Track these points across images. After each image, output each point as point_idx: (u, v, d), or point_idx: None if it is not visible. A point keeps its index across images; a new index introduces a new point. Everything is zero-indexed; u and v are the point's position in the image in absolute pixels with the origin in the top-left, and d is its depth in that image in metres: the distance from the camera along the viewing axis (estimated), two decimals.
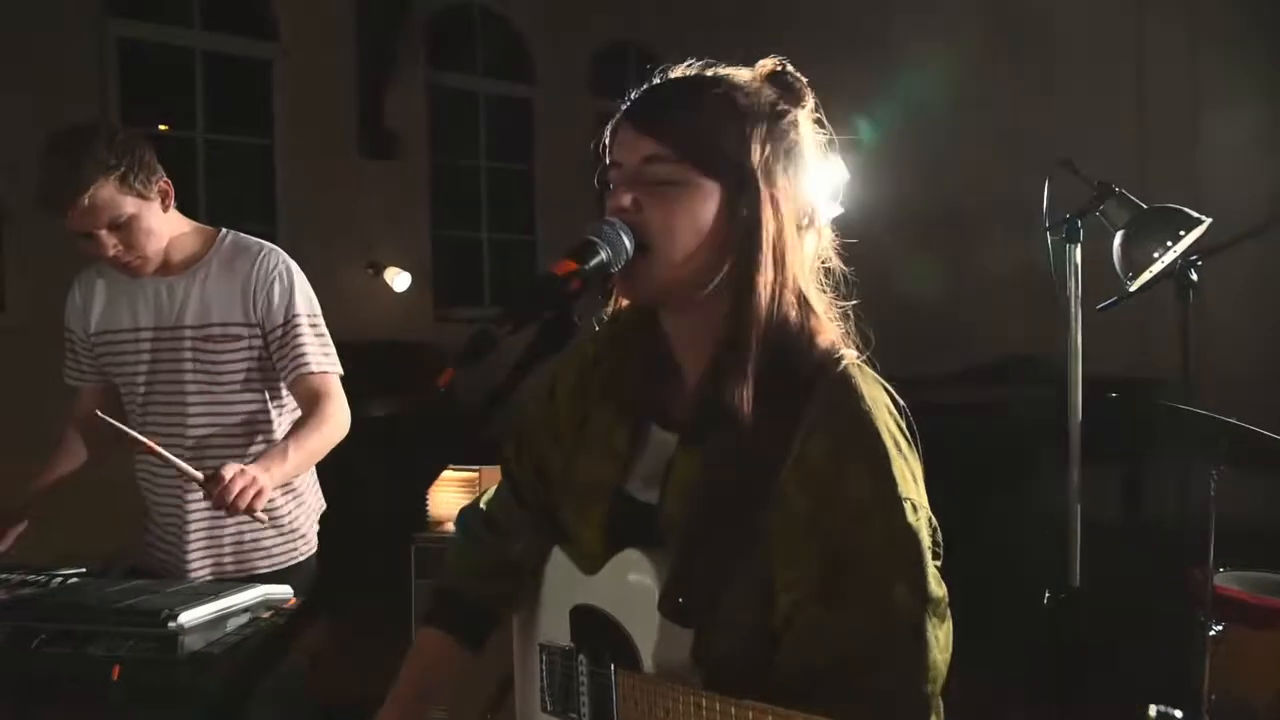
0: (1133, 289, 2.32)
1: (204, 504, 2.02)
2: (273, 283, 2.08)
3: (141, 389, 2.11)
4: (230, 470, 1.80)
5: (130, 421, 2.13)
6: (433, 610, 1.30)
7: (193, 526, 2.08)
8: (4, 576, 1.83)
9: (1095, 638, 2.45)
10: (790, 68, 1.10)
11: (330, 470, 2.24)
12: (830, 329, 1.09)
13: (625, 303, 1.16)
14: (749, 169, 1.04)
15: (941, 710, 1.01)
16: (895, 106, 5.70)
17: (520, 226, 7.86)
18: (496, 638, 1.30)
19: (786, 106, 1.07)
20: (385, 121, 6.88)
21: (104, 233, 1.96)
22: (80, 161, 1.91)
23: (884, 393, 1.06)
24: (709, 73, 1.10)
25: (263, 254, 2.11)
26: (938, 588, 1.00)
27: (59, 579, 1.81)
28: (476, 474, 2.86)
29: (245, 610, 1.64)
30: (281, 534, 2.14)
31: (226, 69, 6.44)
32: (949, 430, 1.87)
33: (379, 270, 6.52)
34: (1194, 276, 2.50)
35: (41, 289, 5.33)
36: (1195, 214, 2.25)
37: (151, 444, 1.89)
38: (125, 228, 1.97)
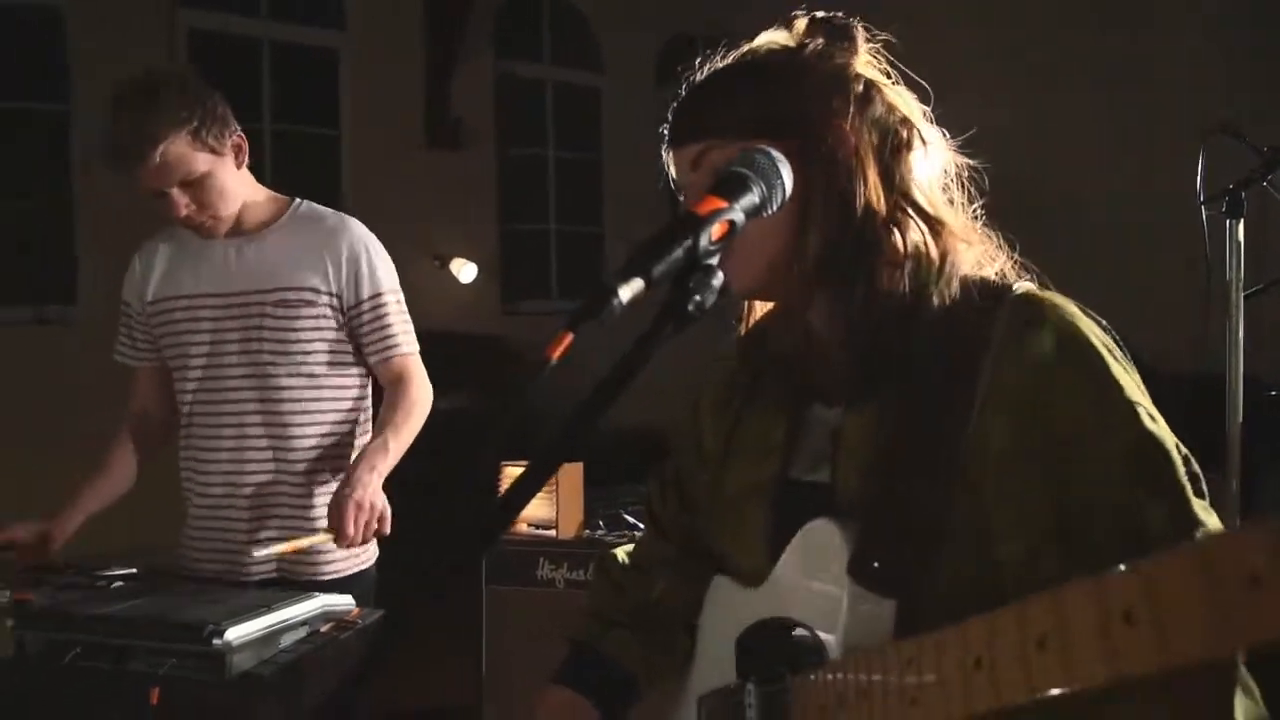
0: None
1: (267, 504, 1.91)
2: (358, 254, 1.94)
3: (201, 361, 1.95)
4: (347, 508, 1.79)
5: (182, 408, 1.99)
6: (564, 665, 1.13)
7: (254, 528, 1.91)
8: (51, 576, 1.69)
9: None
10: (825, 13, 1.02)
11: (396, 470, 2.07)
12: (986, 254, 0.97)
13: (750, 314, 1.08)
14: (795, 114, 0.94)
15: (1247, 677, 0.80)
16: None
17: (589, 218, 7.71)
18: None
19: (835, 49, 0.99)
20: (452, 111, 6.81)
21: (176, 191, 1.83)
22: (151, 115, 1.78)
23: (1078, 309, 0.93)
24: (730, 56, 1.02)
25: (344, 223, 1.98)
26: (1206, 515, 0.84)
27: (104, 581, 1.64)
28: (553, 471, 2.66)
29: (302, 624, 1.45)
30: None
31: (294, 58, 6.44)
32: None
33: (445, 262, 6.46)
34: None
35: (113, 281, 5.37)
36: None
37: (289, 547, 1.84)
38: (198, 185, 1.84)
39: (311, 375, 1.93)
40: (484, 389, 5.30)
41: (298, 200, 2.02)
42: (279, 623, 1.39)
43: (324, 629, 1.48)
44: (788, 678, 0.90)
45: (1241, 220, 2.02)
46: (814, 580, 0.91)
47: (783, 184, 0.84)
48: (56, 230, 5.55)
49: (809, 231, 0.92)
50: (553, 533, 2.66)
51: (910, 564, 0.86)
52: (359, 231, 1.98)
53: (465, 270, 6.42)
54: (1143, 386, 0.89)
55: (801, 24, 1.00)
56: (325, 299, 1.92)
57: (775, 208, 0.84)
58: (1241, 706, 0.78)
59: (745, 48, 1.01)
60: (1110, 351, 0.89)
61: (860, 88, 0.95)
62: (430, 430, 2.05)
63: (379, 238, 2.04)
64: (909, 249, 0.92)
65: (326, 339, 1.94)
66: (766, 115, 0.94)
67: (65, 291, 5.55)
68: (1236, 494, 2.02)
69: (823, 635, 0.88)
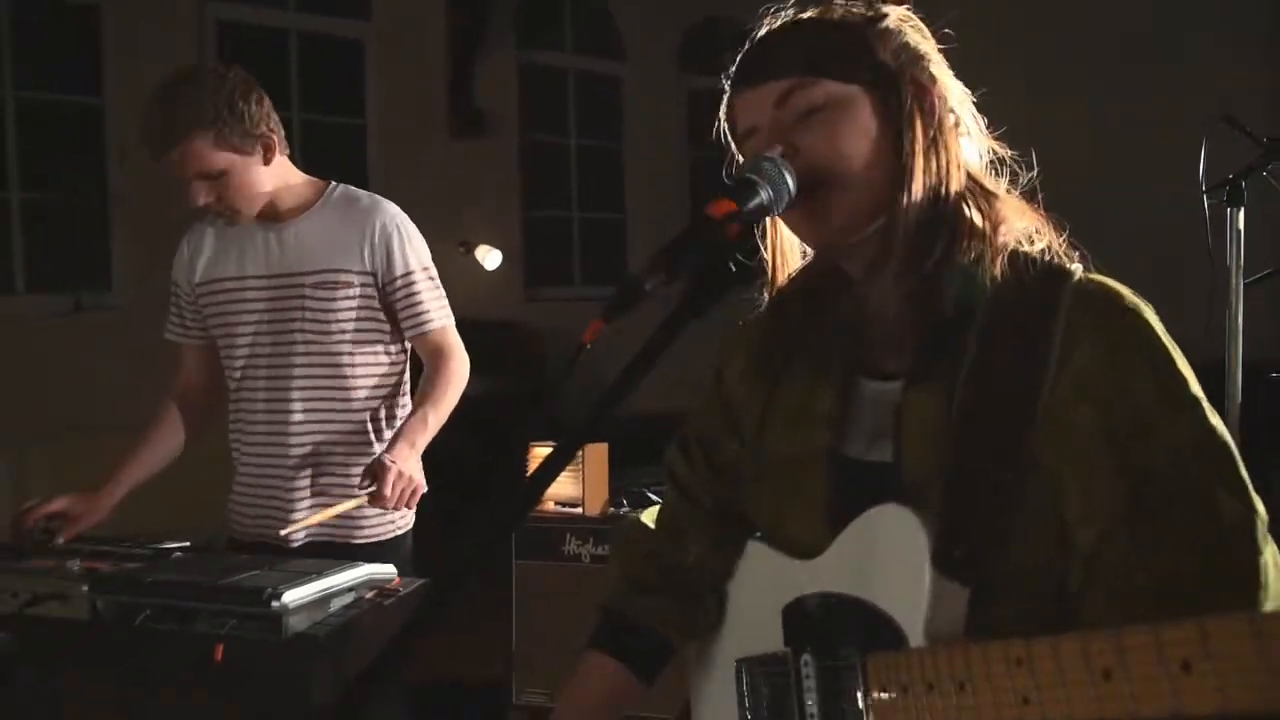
0: None
1: (308, 472, 2.02)
2: (391, 233, 2.04)
3: (247, 339, 2.06)
4: (390, 475, 1.88)
5: (230, 384, 2.10)
6: (598, 631, 1.15)
7: (297, 494, 2.03)
8: (108, 549, 1.81)
9: None
10: None
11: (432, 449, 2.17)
12: (1035, 228, 0.97)
13: (785, 282, 1.06)
14: (883, 64, 0.96)
15: None
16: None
17: (611, 204, 7.78)
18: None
19: (910, 24, 1.00)
20: (476, 100, 6.89)
21: (195, 182, 1.94)
22: (176, 114, 1.89)
23: (1135, 295, 0.93)
24: (805, 15, 1.01)
25: (377, 204, 2.08)
26: (1259, 503, 0.86)
27: (165, 551, 1.77)
28: (579, 450, 2.76)
29: (349, 590, 1.56)
30: (377, 514, 2.07)
31: (320, 49, 6.54)
32: None
33: (470, 248, 6.53)
34: None
35: (148, 268, 5.50)
36: None
37: (321, 515, 1.95)
38: (217, 180, 1.94)
39: (350, 351, 2.04)
40: (508, 373, 5.40)
41: (334, 184, 2.11)
42: (329, 588, 1.50)
43: (369, 595, 1.60)
44: (857, 655, 0.91)
45: (1242, 209, 2.08)
46: (889, 564, 0.90)
47: (788, 187, 0.90)
48: (92, 220, 5.69)
49: (909, 193, 0.93)
50: (579, 510, 2.77)
51: (987, 553, 0.86)
52: (392, 210, 2.07)
53: (490, 257, 6.50)
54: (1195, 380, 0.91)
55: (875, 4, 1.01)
56: (361, 278, 2.02)
57: (780, 209, 0.90)
58: None
59: (833, 6, 1.01)
60: (1173, 346, 0.91)
61: (932, 67, 0.98)
62: (455, 412, 2.16)
63: None
64: (972, 222, 0.94)
65: (363, 316, 2.04)
66: (862, 63, 0.95)
67: (101, 279, 5.69)
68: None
69: (898, 619, 0.88)
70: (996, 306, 0.92)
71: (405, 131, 6.62)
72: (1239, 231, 2.09)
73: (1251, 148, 2.11)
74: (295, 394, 2.02)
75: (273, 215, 2.05)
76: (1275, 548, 0.86)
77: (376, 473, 1.88)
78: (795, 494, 1.01)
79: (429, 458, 2.04)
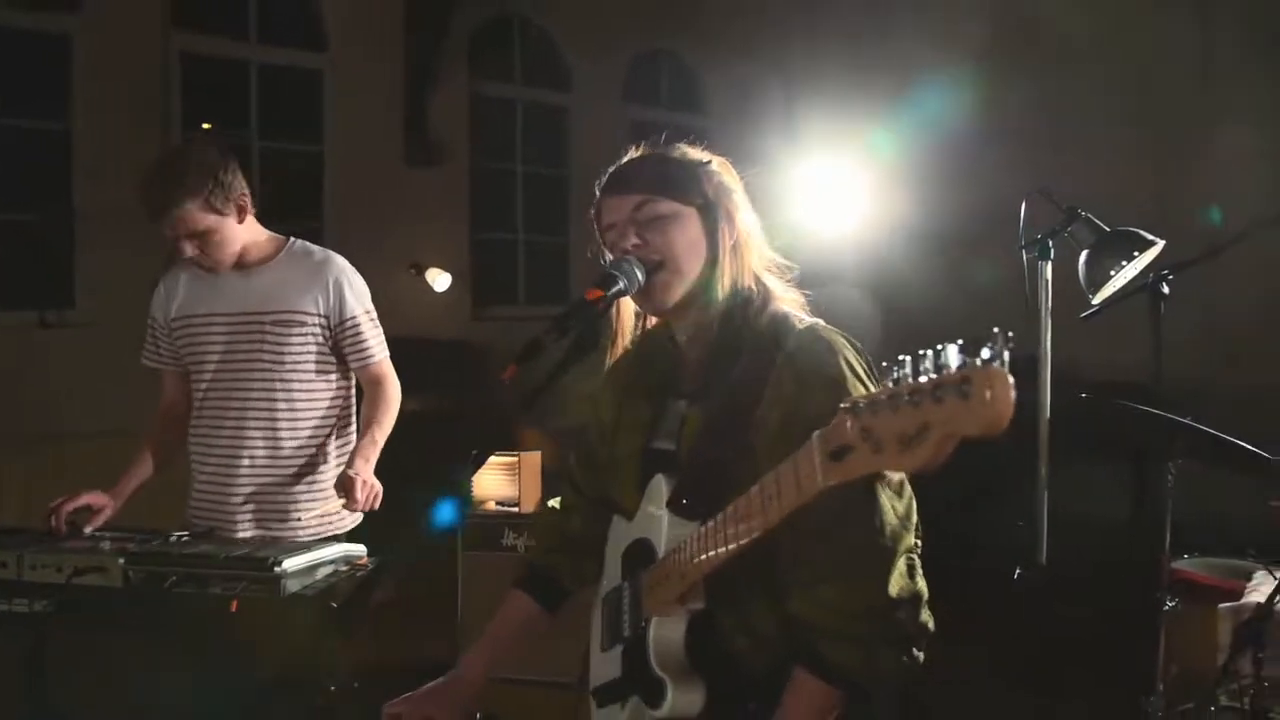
0: (1095, 302, 2.61)
1: (251, 476, 2.43)
2: (342, 283, 2.48)
3: (211, 368, 2.47)
4: (357, 486, 2.29)
5: (195, 401, 2.50)
6: (520, 577, 1.65)
7: (239, 496, 2.44)
8: (127, 534, 2.21)
9: (1069, 617, 2.74)
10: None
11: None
12: (789, 303, 1.46)
13: (636, 332, 1.54)
14: (709, 195, 1.43)
15: (917, 591, 1.30)
16: (916, 128, 6.01)
17: (556, 228, 8.18)
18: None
19: (715, 167, 1.48)
20: (429, 129, 7.23)
21: (185, 241, 2.37)
22: (172, 186, 2.32)
23: (841, 338, 1.41)
24: (656, 150, 1.50)
25: (328, 258, 2.52)
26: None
27: (175, 538, 2.18)
28: (515, 459, 3.21)
29: (330, 563, 2.00)
30: (321, 508, 2.49)
31: (280, 80, 6.81)
32: None
33: (421, 271, 6.83)
34: (1165, 290, 2.79)
35: (109, 286, 5.76)
36: (1150, 236, 2.53)
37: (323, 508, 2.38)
38: (203, 238, 2.37)
39: (301, 379, 2.47)
40: (458, 389, 5.76)
41: (292, 239, 2.56)
42: (317, 559, 1.94)
43: (344, 567, 2.03)
44: (640, 573, 1.42)
45: (1050, 262, 2.60)
46: (652, 513, 1.41)
47: (639, 279, 1.38)
48: (57, 240, 5.91)
49: (721, 277, 1.41)
50: (516, 508, 3.23)
51: (709, 499, 1.32)
52: (341, 263, 2.52)
53: (440, 279, 6.80)
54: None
55: (701, 152, 1.51)
56: (315, 319, 2.46)
57: (633, 292, 1.38)
58: (897, 584, 1.29)
59: (674, 146, 1.50)
60: (853, 368, 1.36)
61: (737, 198, 1.48)
62: (408, 426, 2.58)
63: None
64: (755, 300, 1.43)
65: (313, 351, 2.47)
66: (694, 191, 1.42)
67: (65, 296, 5.93)
68: (1045, 476, 2.61)
69: (655, 543, 1.40)
70: (751, 351, 1.39)
71: (361, 159, 6.92)
72: (1047, 280, 2.60)
73: (1057, 213, 2.63)
74: (252, 412, 2.44)
75: (241, 264, 2.47)
76: (910, 505, 1.34)
77: (347, 486, 2.32)
78: (625, 479, 1.51)
79: (383, 467, 2.45)
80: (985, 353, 0.88)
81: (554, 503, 1.72)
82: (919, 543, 1.33)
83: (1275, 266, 5.04)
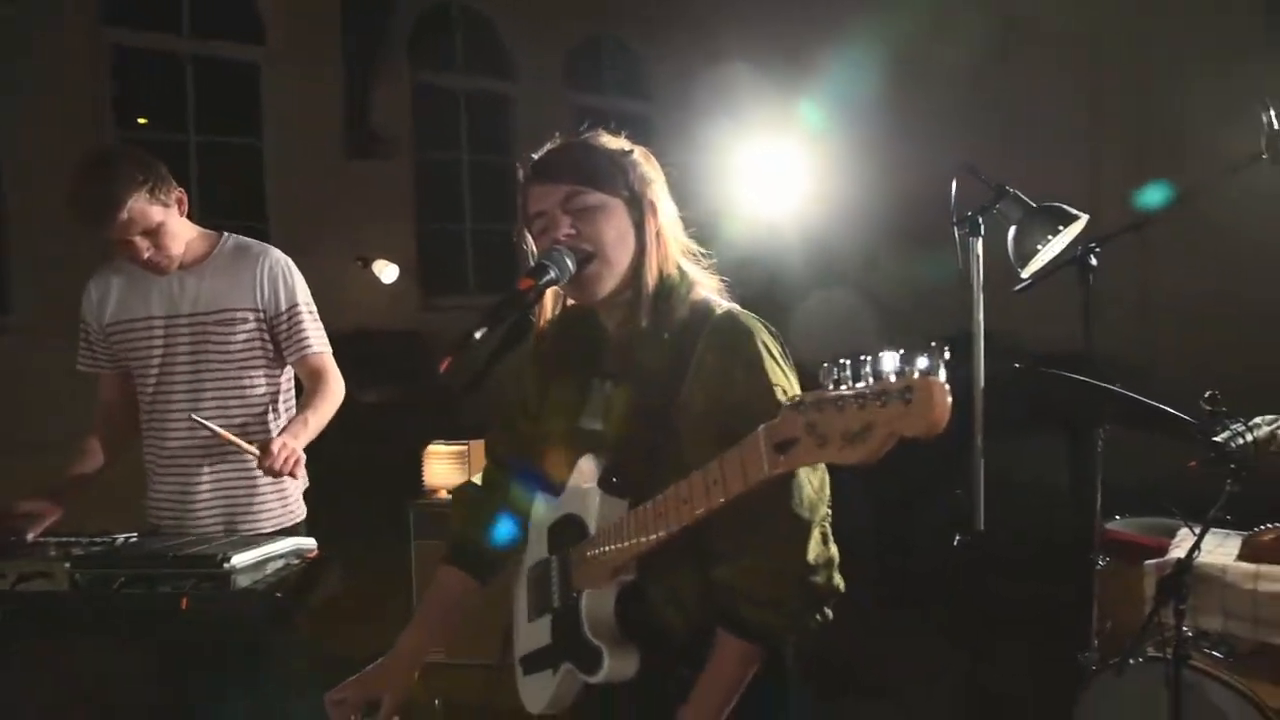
0: (1025, 275, 2.69)
1: (211, 473, 2.42)
2: (277, 276, 2.47)
3: (155, 370, 2.45)
4: (277, 444, 2.24)
5: (143, 402, 2.48)
6: (449, 554, 1.67)
7: (201, 493, 2.43)
8: (71, 540, 2.20)
9: (1008, 580, 2.83)
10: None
11: (330, 449, 2.59)
12: (708, 289, 1.50)
13: (556, 311, 1.56)
14: (633, 186, 1.47)
15: (830, 556, 1.38)
16: (851, 105, 6.10)
17: (502, 216, 8.18)
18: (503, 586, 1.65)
19: (638, 157, 1.51)
20: (371, 121, 7.18)
21: (139, 239, 2.32)
22: (115, 182, 2.27)
23: (757, 322, 1.46)
24: (581, 137, 1.52)
25: (264, 251, 2.50)
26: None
27: (122, 539, 2.17)
28: (465, 447, 3.23)
29: (280, 557, 2.01)
30: (278, 502, 2.50)
31: (216, 73, 6.71)
32: None
33: (368, 263, 6.79)
34: (1093, 262, 2.88)
35: (44, 289, 5.65)
36: (1074, 211, 2.62)
37: (225, 433, 2.30)
38: (156, 232, 2.34)
39: (246, 374, 2.46)
40: (410, 379, 5.76)
41: (225, 235, 2.53)
42: (267, 554, 1.96)
43: (295, 561, 2.05)
44: (570, 549, 1.47)
45: (980, 238, 2.67)
46: (582, 490, 1.46)
47: (570, 268, 1.41)
48: None
49: (650, 265, 1.45)
50: None
51: (638, 478, 1.39)
52: (277, 255, 2.50)
53: (387, 271, 6.77)
54: (790, 374, 1.43)
55: (623, 140, 1.54)
56: (254, 315, 2.45)
57: (564, 282, 1.41)
58: (814, 551, 1.37)
59: (597, 134, 1.53)
60: (769, 350, 1.42)
61: (658, 188, 1.52)
62: (360, 417, 2.59)
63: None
64: (670, 279, 1.48)
65: (256, 346, 2.46)
66: (619, 183, 1.45)
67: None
68: (980, 446, 2.69)
69: (586, 520, 1.45)
70: (674, 332, 1.45)
71: (302, 153, 6.87)
72: (978, 255, 2.67)
73: (986, 191, 2.70)
74: (207, 411, 2.41)
75: (178, 264, 2.43)
76: (824, 477, 1.40)
77: (266, 445, 2.27)
78: (553, 454, 1.55)
79: (334, 458, 2.44)
80: (923, 362, 1.00)
81: (475, 478, 1.73)
82: (830, 511, 1.40)
83: (1203, 239, 5.23)
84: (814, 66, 6.73)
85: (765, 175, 4.69)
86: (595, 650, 1.41)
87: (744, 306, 1.52)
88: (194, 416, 2.32)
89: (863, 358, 1.05)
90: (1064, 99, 6.64)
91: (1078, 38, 6.64)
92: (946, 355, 0.99)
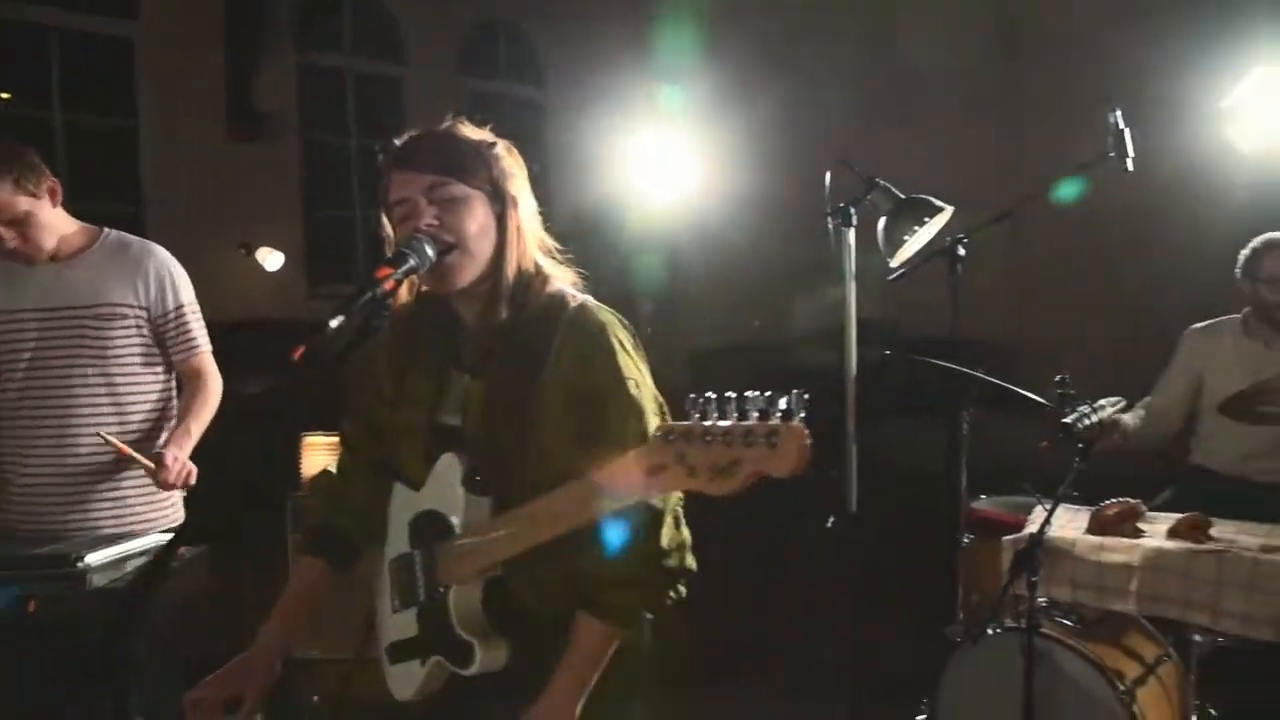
0: (893, 264, 2.79)
1: (79, 474, 2.33)
2: (164, 275, 2.41)
3: (23, 367, 2.34)
4: (169, 456, 2.25)
5: (6, 402, 2.36)
6: (307, 543, 1.65)
7: (68, 494, 2.33)
8: None
9: (880, 559, 2.94)
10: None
11: (211, 443, 2.52)
12: (563, 282, 1.52)
13: (409, 297, 1.54)
14: (496, 179, 1.48)
15: (683, 540, 1.43)
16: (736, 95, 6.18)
17: None
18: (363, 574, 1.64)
19: (501, 150, 1.51)
20: (254, 102, 6.96)
21: (2, 229, 2.24)
22: None
23: (611, 315, 1.49)
24: (445, 127, 1.51)
25: (148, 248, 2.44)
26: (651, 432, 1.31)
27: None
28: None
29: (142, 554, 1.95)
30: (151, 503, 2.42)
31: (85, 48, 6.42)
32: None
33: (251, 250, 6.62)
34: (961, 252, 3.01)
35: None
36: (939, 203, 2.72)
37: (125, 447, 2.27)
38: (21, 223, 2.25)
39: (127, 373, 2.38)
40: (292, 370, 5.61)
41: (106, 230, 2.45)
42: (126, 552, 1.89)
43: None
44: (436, 545, 1.47)
45: (853, 228, 2.75)
46: (445, 488, 1.45)
47: (430, 257, 1.40)
48: None
49: (509, 258, 1.45)
50: None
51: (501, 476, 1.40)
52: (161, 254, 2.44)
53: (271, 259, 6.61)
54: (642, 366, 1.46)
55: (486, 133, 1.53)
56: (135, 312, 2.38)
57: (424, 269, 1.40)
58: (668, 535, 1.41)
59: (460, 124, 1.51)
60: (623, 344, 1.44)
61: (519, 182, 1.52)
62: (242, 409, 2.52)
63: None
64: (536, 279, 1.49)
65: (136, 344, 2.39)
66: (482, 176, 1.44)
67: None
68: (852, 431, 2.78)
69: (451, 518, 1.44)
70: (531, 326, 1.46)
71: (180, 134, 6.62)
72: (850, 245, 2.75)
73: (859, 183, 2.79)
74: (80, 410, 2.33)
75: (53, 256, 2.35)
76: None
77: (159, 459, 2.26)
78: (411, 450, 1.54)
79: (214, 451, 2.38)
80: (782, 403, 1.07)
81: (330, 466, 1.71)
82: (683, 495, 1.44)
83: (1066, 230, 5.51)
84: (694, 54, 6.82)
85: (656, 163, 4.72)
86: (466, 645, 1.42)
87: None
88: (101, 433, 2.29)
89: (728, 395, 1.11)
90: (951, 95, 6.88)
91: (965, 37, 6.88)
92: (807, 398, 1.06)
